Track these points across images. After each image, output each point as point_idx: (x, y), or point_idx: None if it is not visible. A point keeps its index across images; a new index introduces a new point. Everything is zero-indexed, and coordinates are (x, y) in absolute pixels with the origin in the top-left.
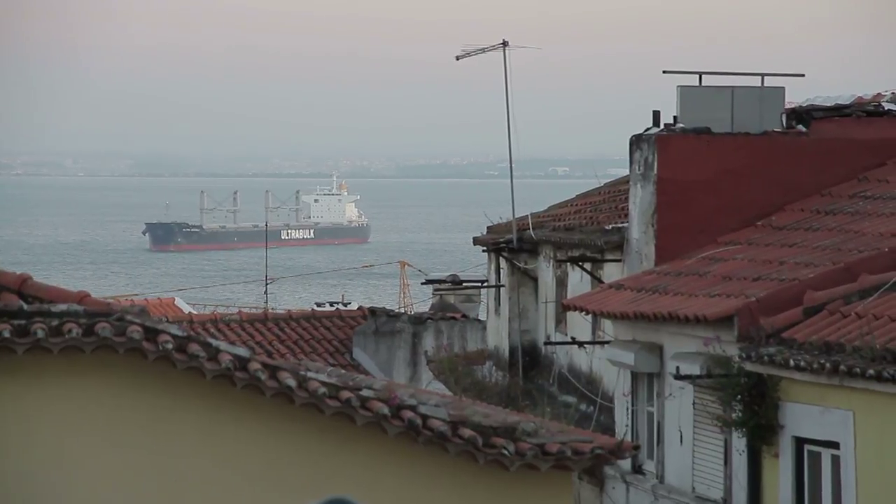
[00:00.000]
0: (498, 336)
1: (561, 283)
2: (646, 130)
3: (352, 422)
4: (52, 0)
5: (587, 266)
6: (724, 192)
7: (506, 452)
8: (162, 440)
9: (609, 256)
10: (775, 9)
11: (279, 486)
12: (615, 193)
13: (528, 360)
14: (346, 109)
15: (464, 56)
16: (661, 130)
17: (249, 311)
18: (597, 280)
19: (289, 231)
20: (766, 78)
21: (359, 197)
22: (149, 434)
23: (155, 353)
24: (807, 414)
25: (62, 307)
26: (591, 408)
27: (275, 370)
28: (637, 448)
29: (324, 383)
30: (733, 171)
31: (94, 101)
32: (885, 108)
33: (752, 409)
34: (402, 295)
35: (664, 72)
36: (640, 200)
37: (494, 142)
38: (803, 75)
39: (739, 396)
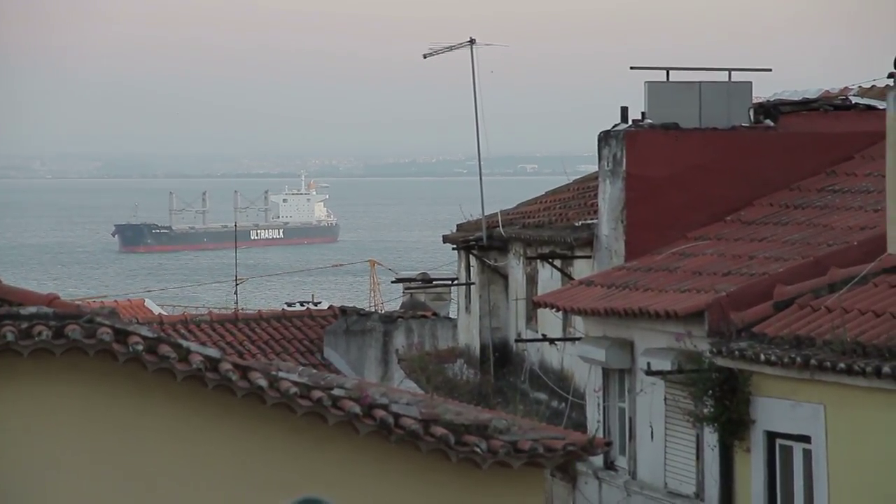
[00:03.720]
0: (469, 334)
1: (531, 280)
2: (614, 127)
3: (323, 421)
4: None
5: (557, 263)
6: (693, 187)
7: (478, 450)
8: (133, 441)
9: (579, 253)
10: (741, 5)
11: (251, 485)
12: (584, 190)
13: (499, 357)
14: (313, 109)
15: (431, 54)
16: (630, 126)
17: (219, 311)
18: (567, 277)
19: (258, 231)
20: (733, 73)
21: (327, 196)
22: (120, 435)
23: (125, 354)
24: (778, 408)
25: (32, 310)
26: (563, 404)
27: (246, 370)
28: (609, 444)
29: (295, 383)
30: (702, 166)
31: (61, 103)
32: (853, 102)
33: (723, 403)
34: (372, 294)
35: (632, 68)
36: (610, 197)
37: (463, 139)
38: (770, 70)
39: (711, 391)
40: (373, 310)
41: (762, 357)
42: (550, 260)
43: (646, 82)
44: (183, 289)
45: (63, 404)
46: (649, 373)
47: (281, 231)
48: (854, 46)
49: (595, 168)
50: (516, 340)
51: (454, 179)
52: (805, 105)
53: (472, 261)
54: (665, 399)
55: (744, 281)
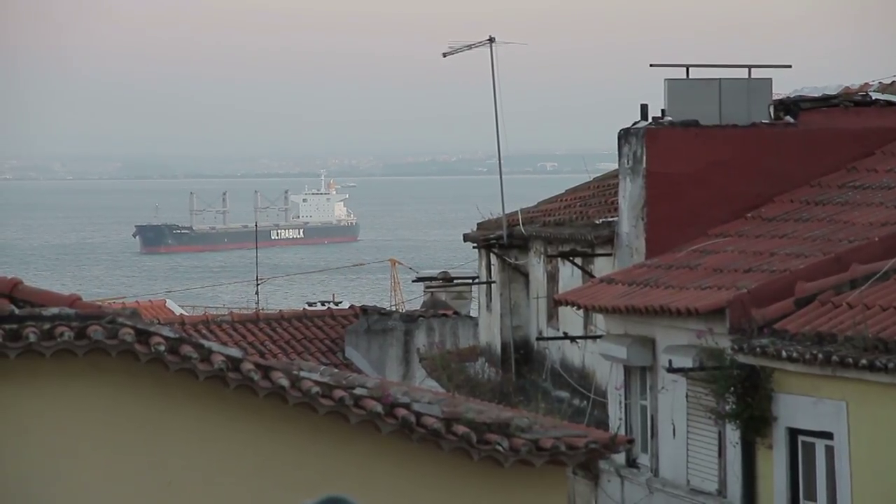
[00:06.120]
0: (490, 332)
1: (552, 278)
2: (634, 124)
3: (345, 420)
4: (43, 1)
5: (578, 261)
6: (714, 184)
7: (500, 448)
8: (156, 442)
9: (599, 251)
10: (762, 1)
11: (274, 485)
12: (604, 188)
13: (521, 355)
14: (333, 108)
15: (450, 53)
16: (650, 124)
17: (241, 311)
18: (588, 274)
19: (278, 231)
20: (753, 70)
21: (347, 196)
22: (142, 436)
23: (147, 355)
24: (800, 405)
25: (54, 311)
26: (585, 402)
27: (267, 370)
28: (631, 442)
29: (317, 382)
30: (722, 163)
31: (81, 104)
32: (873, 98)
33: (745, 400)
34: (393, 293)
35: (651, 65)
36: (630, 194)
37: (483, 138)
38: (790, 66)
39: (732, 388)
40: (394, 309)
41: (784, 354)
42: (571, 258)
43: (666, 80)
44: (204, 289)
45: (85, 405)
46: (671, 370)
47: (301, 231)
48: (874, 42)
49: (615, 166)
50: (537, 339)
51: (474, 178)
52: (825, 101)
53: (493, 259)
54: (687, 396)
55: (765, 278)
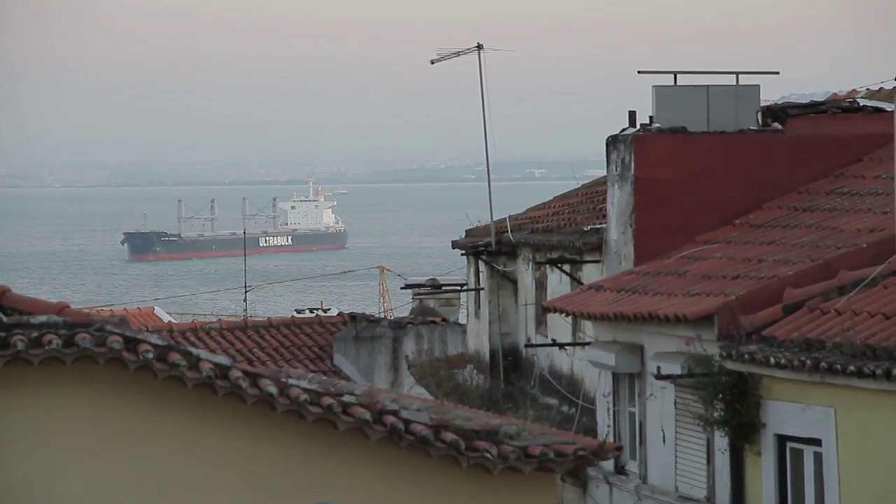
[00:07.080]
0: (478, 339)
1: (540, 285)
2: (622, 131)
3: (334, 428)
4: (30, 9)
5: (566, 268)
6: (702, 191)
7: (488, 455)
8: (144, 450)
9: (588, 257)
10: (748, 8)
11: (262, 493)
12: (593, 194)
13: (509, 362)
14: (321, 115)
15: (439, 60)
16: (638, 131)
17: (229, 319)
18: (576, 281)
19: (266, 238)
20: (740, 76)
21: (335, 203)
22: (131, 444)
23: (135, 362)
24: (788, 411)
25: (41, 319)
26: (573, 409)
27: (256, 378)
28: (619, 449)
29: (305, 390)
30: (710, 169)
31: (69, 111)
32: (861, 104)
33: (733, 407)
34: (381, 300)
35: (639, 72)
36: (618, 201)
37: (471, 145)
38: (778, 73)
39: (721, 395)
40: (382, 316)
41: (772, 360)
42: (559, 265)
43: (654, 86)
44: (192, 297)
45: (73, 413)
46: (659, 377)
47: (289, 238)
48: (861, 49)
49: (604, 172)
50: (526, 345)
51: (463, 185)
52: (813, 108)
53: (482, 266)
54: (675, 403)
55: (753, 284)
